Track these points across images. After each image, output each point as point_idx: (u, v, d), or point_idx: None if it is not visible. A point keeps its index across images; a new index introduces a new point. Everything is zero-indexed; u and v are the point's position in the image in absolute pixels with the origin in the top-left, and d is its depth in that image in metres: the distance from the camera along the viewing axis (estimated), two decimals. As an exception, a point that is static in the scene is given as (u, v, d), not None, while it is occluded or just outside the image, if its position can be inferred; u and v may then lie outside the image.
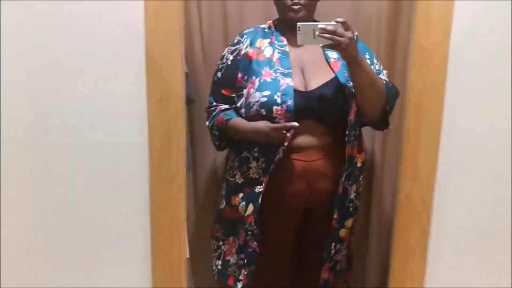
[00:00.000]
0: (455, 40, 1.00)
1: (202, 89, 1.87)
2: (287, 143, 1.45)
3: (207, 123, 1.62)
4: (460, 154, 1.05)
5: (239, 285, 1.58)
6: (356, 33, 1.54)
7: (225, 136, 1.59)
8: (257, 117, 1.48)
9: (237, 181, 1.54)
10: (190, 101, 1.82)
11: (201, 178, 1.97)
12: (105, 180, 1.06)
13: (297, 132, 1.46)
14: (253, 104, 1.47)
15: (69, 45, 1.00)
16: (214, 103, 1.59)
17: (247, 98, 1.50)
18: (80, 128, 1.04)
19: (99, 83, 1.02)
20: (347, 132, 1.47)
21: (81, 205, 1.08)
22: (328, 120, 1.51)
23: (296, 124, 1.43)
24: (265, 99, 1.45)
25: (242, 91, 1.53)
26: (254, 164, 1.51)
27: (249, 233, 1.53)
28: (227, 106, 1.57)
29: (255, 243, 1.53)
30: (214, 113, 1.58)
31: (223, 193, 1.61)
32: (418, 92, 1.01)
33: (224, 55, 1.59)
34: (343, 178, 1.51)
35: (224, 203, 1.60)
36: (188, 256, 2.06)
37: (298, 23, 1.34)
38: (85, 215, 1.09)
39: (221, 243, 1.63)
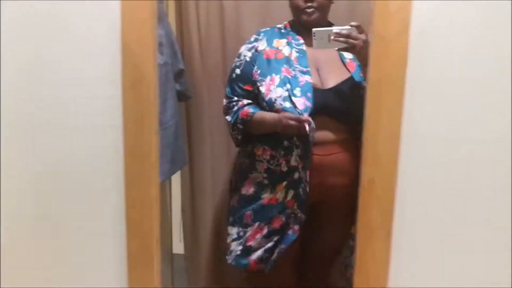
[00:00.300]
0: (415, 30, 1.03)
1: (199, 86, 1.95)
2: (312, 133, 1.50)
3: (228, 118, 1.68)
4: (421, 140, 1.08)
5: (268, 266, 1.64)
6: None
7: (247, 131, 1.66)
8: (279, 111, 1.55)
9: (283, 169, 1.60)
10: (186, 98, 1.89)
11: (198, 174, 2.04)
12: (82, 160, 1.14)
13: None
14: (275, 99, 1.54)
15: (50, 32, 1.10)
16: (235, 98, 1.66)
17: (267, 94, 1.56)
18: (58, 111, 1.13)
19: (78, 69, 1.10)
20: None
21: (59, 183, 1.16)
22: (345, 118, 1.57)
23: (309, 119, 1.49)
24: (286, 93, 1.53)
25: (257, 85, 1.60)
26: (295, 152, 1.56)
27: (292, 216, 1.59)
28: (249, 101, 1.64)
29: (296, 226, 1.59)
30: (237, 108, 1.65)
31: (266, 182, 1.64)
32: (377, 81, 1.04)
33: (241, 52, 1.67)
34: None
35: (268, 192, 1.63)
36: (183, 252, 2.14)
37: (313, 29, 1.42)
38: (63, 192, 1.16)
39: (248, 228, 1.67)
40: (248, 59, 1.64)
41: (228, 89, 1.70)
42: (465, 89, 1.05)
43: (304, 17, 1.54)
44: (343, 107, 1.54)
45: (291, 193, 1.59)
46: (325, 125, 1.55)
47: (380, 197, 1.08)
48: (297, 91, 1.51)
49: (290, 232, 1.60)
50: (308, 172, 1.54)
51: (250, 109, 1.61)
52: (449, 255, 1.12)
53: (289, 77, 1.54)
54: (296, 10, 1.58)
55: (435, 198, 1.10)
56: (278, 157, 1.61)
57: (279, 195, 1.61)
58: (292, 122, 1.49)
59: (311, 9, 1.54)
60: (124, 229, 1.14)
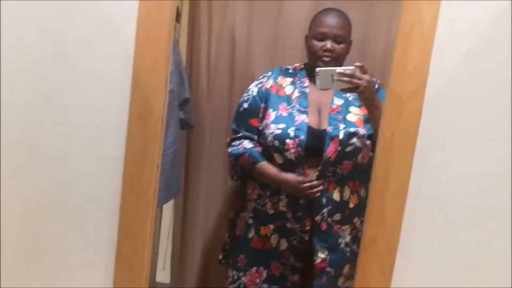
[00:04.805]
0: (431, 90, 1.02)
1: (202, 116, 1.93)
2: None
3: (230, 150, 1.67)
4: (428, 201, 1.06)
5: None
6: (379, 81, 1.61)
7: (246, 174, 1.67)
8: (271, 147, 1.55)
9: (268, 211, 1.59)
10: (189, 127, 1.87)
11: (191, 204, 1.99)
12: (79, 188, 1.11)
13: (307, 168, 1.53)
14: (268, 135, 1.54)
15: (60, 56, 1.08)
16: (241, 134, 1.66)
17: (264, 128, 1.57)
18: (61, 136, 1.10)
19: (85, 96, 1.08)
20: (319, 168, 1.50)
21: (53, 209, 1.13)
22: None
23: (321, 187, 1.51)
24: (279, 131, 1.52)
25: (263, 121, 1.60)
26: (283, 196, 1.57)
27: (288, 267, 1.59)
28: (251, 145, 1.63)
29: (296, 276, 1.58)
30: (237, 148, 1.64)
31: (250, 222, 1.63)
32: (389, 138, 1.03)
33: (250, 88, 1.68)
34: (325, 215, 1.52)
35: (253, 232, 1.62)
36: (168, 282, 2.08)
37: (317, 69, 1.42)
38: (56, 217, 1.13)
39: (241, 273, 1.65)
40: (255, 93, 1.64)
41: (234, 123, 1.70)
42: (474, 154, 1.03)
43: (321, 64, 1.53)
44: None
45: (284, 243, 1.57)
46: (315, 167, 1.53)
47: (382, 257, 1.05)
48: (291, 130, 1.51)
49: (289, 284, 1.58)
50: (306, 222, 1.53)
51: (250, 158, 1.60)
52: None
53: (285, 115, 1.54)
54: (313, 55, 1.58)
55: (437, 261, 1.07)
56: (265, 196, 1.59)
57: (273, 241, 1.58)
58: (307, 191, 1.50)
59: (328, 59, 1.54)
60: (113, 262, 1.10)
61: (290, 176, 1.54)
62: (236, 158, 1.63)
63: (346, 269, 1.58)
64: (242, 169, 1.64)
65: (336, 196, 1.54)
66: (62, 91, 1.08)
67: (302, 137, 1.50)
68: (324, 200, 1.52)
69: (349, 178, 1.55)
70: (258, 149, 1.62)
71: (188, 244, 2.02)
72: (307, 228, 1.53)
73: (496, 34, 0.99)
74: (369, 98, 1.41)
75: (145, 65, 1.02)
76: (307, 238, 1.54)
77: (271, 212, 1.58)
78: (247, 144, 1.63)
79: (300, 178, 1.52)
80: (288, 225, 1.56)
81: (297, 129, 1.50)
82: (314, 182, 1.51)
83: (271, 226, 1.58)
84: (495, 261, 1.05)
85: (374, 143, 1.51)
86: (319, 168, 1.51)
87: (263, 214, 1.59)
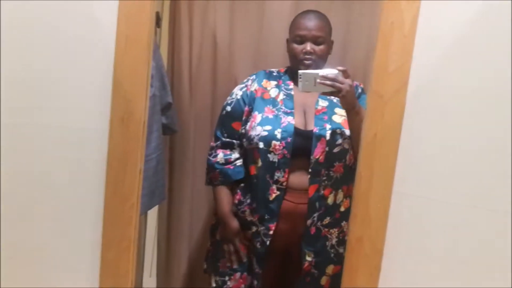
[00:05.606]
0: (413, 89, 1.03)
1: (185, 120, 1.91)
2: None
3: (209, 158, 1.68)
4: (413, 201, 1.06)
5: None
6: (361, 85, 1.61)
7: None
8: (255, 150, 1.53)
9: (247, 218, 1.58)
10: (172, 131, 1.85)
11: (176, 209, 1.97)
12: (61, 191, 1.10)
13: (292, 170, 1.52)
14: (254, 137, 1.53)
15: (44, 61, 1.07)
16: (218, 142, 1.65)
17: (248, 131, 1.56)
18: (44, 140, 1.09)
19: (67, 97, 1.07)
20: (310, 170, 1.49)
21: (35, 211, 1.12)
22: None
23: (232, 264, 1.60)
24: (265, 133, 1.51)
25: (247, 124, 1.59)
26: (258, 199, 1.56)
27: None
28: (223, 160, 1.62)
29: (255, 282, 1.57)
30: (211, 160, 1.64)
31: None
32: (372, 138, 1.03)
33: (234, 91, 1.67)
34: (315, 219, 1.51)
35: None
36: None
37: (300, 71, 1.41)
38: (40, 223, 1.11)
39: (227, 278, 1.64)
40: (238, 96, 1.64)
41: (216, 128, 1.69)
42: (458, 153, 1.04)
43: (302, 67, 1.52)
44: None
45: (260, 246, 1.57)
46: (304, 169, 1.52)
47: (368, 257, 1.05)
48: (277, 132, 1.50)
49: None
50: (271, 226, 1.53)
51: (220, 176, 1.62)
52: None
53: (271, 117, 1.53)
54: (294, 58, 1.57)
55: (423, 260, 1.07)
56: (245, 203, 1.58)
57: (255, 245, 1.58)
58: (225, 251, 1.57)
59: (309, 61, 1.54)
60: (98, 267, 1.09)
61: (233, 226, 1.59)
62: (209, 169, 1.65)
63: (330, 269, 1.58)
64: (209, 182, 1.67)
65: (330, 200, 1.53)
66: (44, 93, 1.06)
67: (289, 139, 1.49)
68: (317, 205, 1.52)
69: (343, 181, 1.55)
70: (231, 166, 1.61)
71: (174, 250, 2.00)
72: (271, 232, 1.53)
73: (476, 32, 1.00)
74: (350, 102, 1.42)
75: (126, 65, 1.01)
76: (268, 242, 1.54)
77: (249, 219, 1.57)
78: (220, 158, 1.63)
79: (236, 240, 1.58)
80: (253, 227, 1.56)
81: (283, 131, 1.50)
82: (233, 252, 1.58)
83: (250, 232, 1.59)
84: (481, 260, 1.06)
85: (353, 147, 1.52)
86: (310, 170, 1.50)
87: (243, 220, 1.59)
